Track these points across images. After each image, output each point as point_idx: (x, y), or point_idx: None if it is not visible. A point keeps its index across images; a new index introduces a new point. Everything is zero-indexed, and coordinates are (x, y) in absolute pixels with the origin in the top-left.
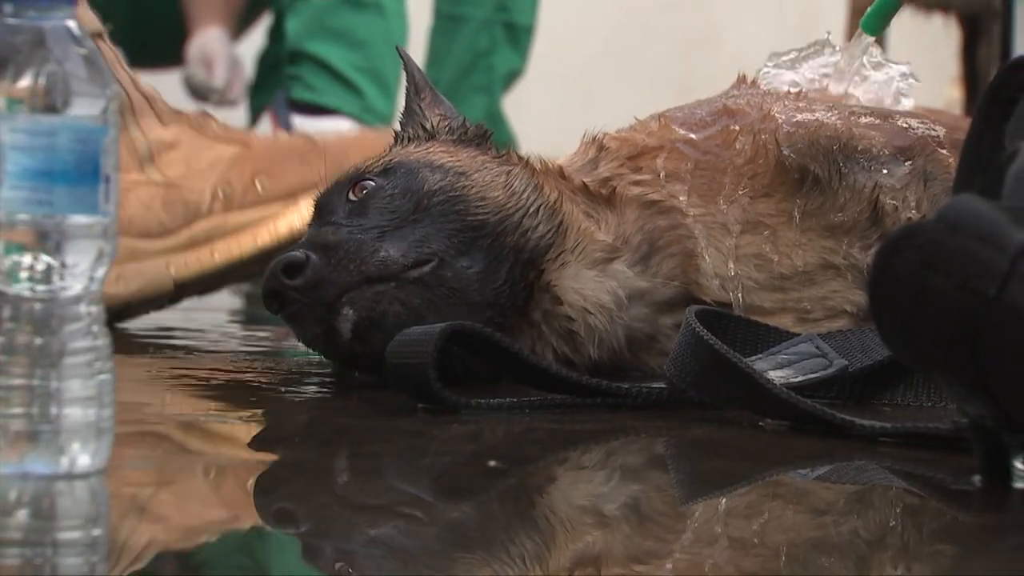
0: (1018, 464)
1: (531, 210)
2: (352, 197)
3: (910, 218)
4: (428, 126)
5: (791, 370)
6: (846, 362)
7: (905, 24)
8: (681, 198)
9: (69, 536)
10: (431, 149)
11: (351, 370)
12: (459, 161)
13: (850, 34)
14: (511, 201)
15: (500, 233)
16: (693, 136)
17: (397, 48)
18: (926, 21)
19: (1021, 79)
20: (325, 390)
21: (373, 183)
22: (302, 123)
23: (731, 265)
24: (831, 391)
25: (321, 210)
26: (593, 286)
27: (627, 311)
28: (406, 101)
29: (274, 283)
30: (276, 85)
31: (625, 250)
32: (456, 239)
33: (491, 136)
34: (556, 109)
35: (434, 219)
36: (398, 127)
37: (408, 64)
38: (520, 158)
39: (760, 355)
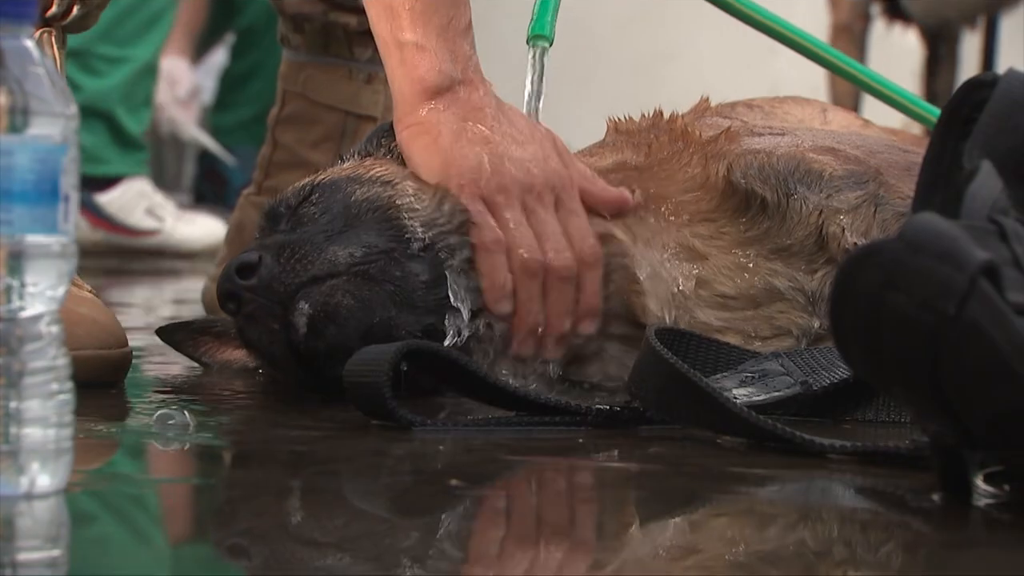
0: (978, 481)
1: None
2: (293, 208)
3: (855, 243)
4: (363, 148)
5: (755, 388)
6: (810, 380)
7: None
8: (620, 229)
9: (29, 557)
10: (364, 163)
11: (304, 382)
12: (387, 171)
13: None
14: (438, 214)
15: (439, 250)
16: (643, 161)
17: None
18: (886, 40)
19: (979, 98)
20: (280, 406)
21: (310, 199)
22: (102, 199)
23: (673, 288)
24: (795, 409)
25: (268, 219)
26: None
27: None
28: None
29: (229, 284)
30: (240, 102)
31: None
32: (396, 243)
33: None
34: None
35: (369, 226)
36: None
37: None
38: None
39: (725, 373)
